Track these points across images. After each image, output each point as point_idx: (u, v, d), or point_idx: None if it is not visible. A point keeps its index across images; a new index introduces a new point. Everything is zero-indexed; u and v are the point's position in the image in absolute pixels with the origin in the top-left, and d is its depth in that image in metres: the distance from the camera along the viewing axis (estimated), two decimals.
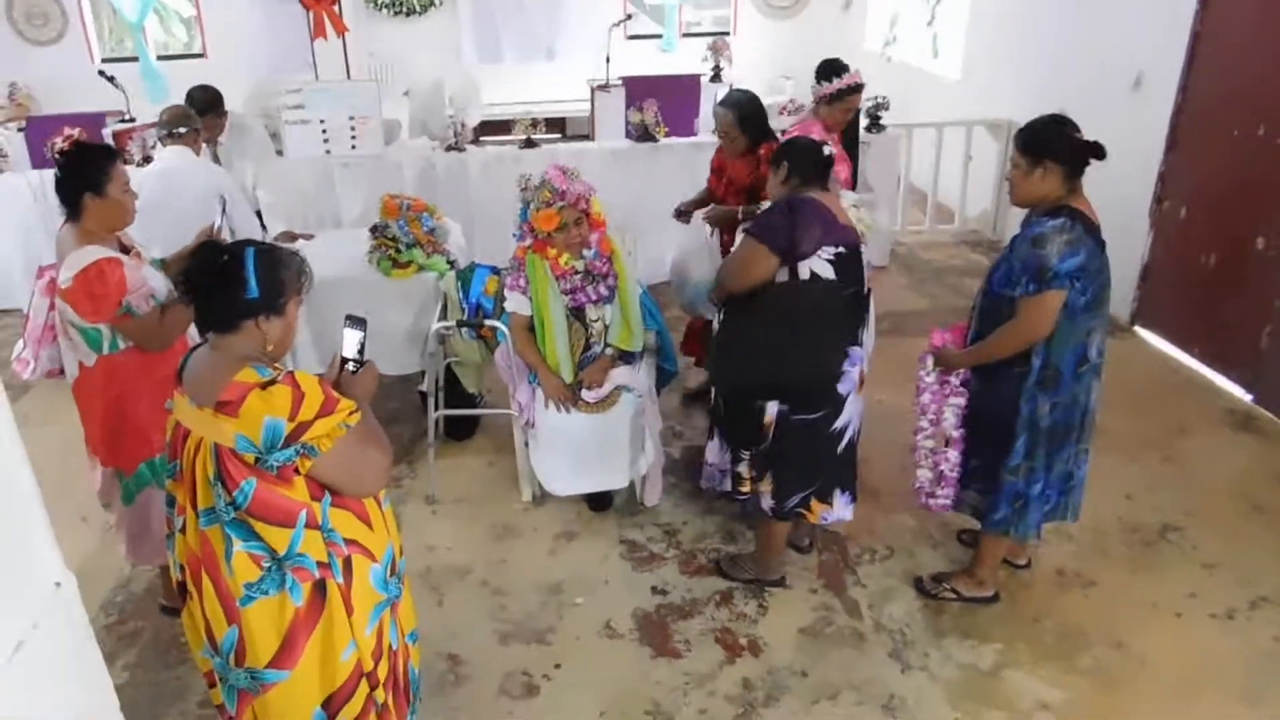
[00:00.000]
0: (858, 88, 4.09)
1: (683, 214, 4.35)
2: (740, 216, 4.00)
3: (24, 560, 1.89)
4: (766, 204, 3.12)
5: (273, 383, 1.87)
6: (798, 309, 2.88)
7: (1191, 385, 4.78)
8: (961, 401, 3.02)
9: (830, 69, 4.10)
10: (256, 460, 1.87)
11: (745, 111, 4.06)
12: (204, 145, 4.46)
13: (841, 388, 2.98)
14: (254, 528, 1.92)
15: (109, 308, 2.71)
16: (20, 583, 1.86)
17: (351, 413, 1.93)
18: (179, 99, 4.49)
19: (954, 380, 3.02)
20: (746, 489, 3.15)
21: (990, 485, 3.02)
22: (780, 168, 2.97)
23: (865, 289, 3.02)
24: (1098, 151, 2.76)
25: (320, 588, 1.99)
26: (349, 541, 2.01)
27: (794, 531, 3.46)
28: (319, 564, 1.97)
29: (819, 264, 2.83)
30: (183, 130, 4.07)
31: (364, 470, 1.99)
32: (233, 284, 1.93)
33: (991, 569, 3.24)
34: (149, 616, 3.26)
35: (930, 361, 3.05)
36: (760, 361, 2.94)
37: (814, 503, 3.12)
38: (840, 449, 3.07)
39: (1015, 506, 3.00)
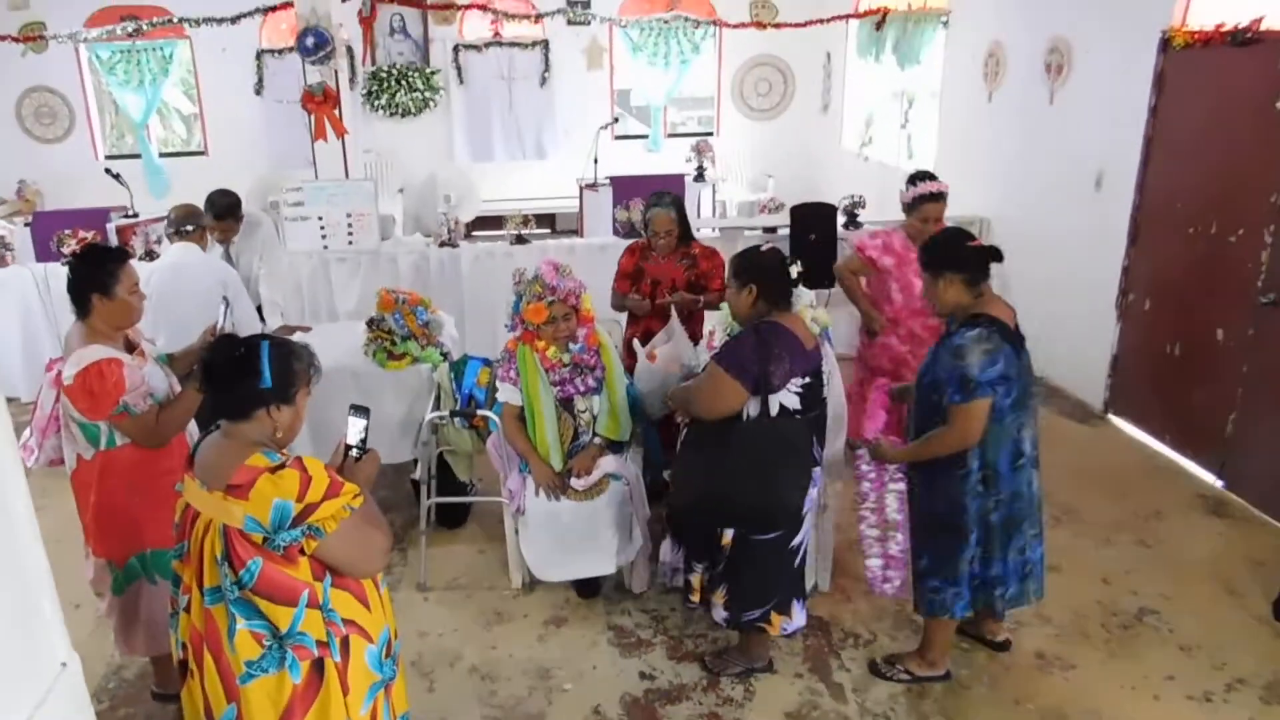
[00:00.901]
0: (932, 196, 4.16)
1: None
2: (702, 304, 4.25)
3: (33, 638, 1.96)
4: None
5: (281, 467, 1.99)
6: (765, 445, 2.97)
7: (1164, 471, 4.92)
8: (902, 486, 3.17)
9: (912, 177, 4.27)
10: (264, 540, 1.97)
11: (683, 210, 4.26)
12: (215, 243, 4.64)
13: (803, 508, 3.10)
14: (258, 606, 2.01)
15: (106, 406, 2.80)
16: (29, 660, 1.92)
17: (355, 496, 2.04)
18: (181, 194, 4.70)
19: (890, 468, 3.17)
20: (697, 598, 3.23)
21: (950, 578, 3.10)
22: (747, 289, 2.98)
23: (824, 399, 3.11)
24: (994, 255, 2.96)
25: (318, 666, 2.06)
26: (347, 621, 2.09)
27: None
28: (318, 642, 2.05)
29: (787, 397, 2.92)
30: (190, 228, 4.25)
31: (366, 551, 2.09)
32: (247, 374, 2.07)
33: (941, 649, 3.31)
34: (141, 703, 3.28)
35: (867, 454, 3.19)
36: (724, 493, 3.03)
37: (773, 615, 3.17)
38: (797, 563, 3.16)
39: (960, 589, 3.10)
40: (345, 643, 2.09)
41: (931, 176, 4.19)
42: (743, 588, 3.12)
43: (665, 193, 4.46)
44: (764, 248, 3.11)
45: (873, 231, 4.50)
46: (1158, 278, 5.15)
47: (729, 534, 3.06)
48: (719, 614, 3.20)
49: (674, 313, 4.04)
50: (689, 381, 3.29)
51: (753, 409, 2.93)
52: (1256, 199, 4.38)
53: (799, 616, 3.22)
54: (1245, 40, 4.37)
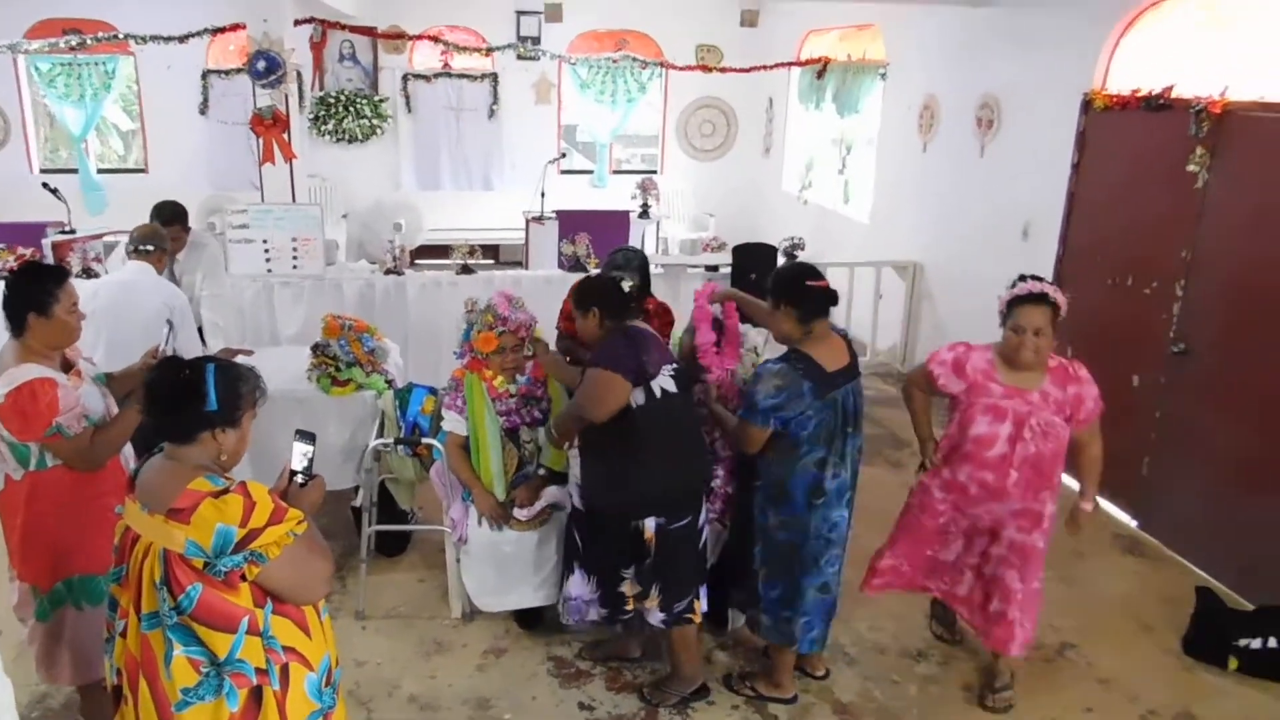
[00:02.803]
0: (1031, 299, 3.17)
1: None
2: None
3: None
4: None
5: (225, 492, 1.98)
6: (662, 425, 3.14)
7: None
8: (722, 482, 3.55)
9: (1017, 278, 3.32)
10: (205, 565, 1.96)
11: (645, 270, 4.11)
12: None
13: (703, 493, 3.36)
14: (196, 632, 1.99)
15: (38, 427, 2.75)
16: None
17: (299, 523, 2.04)
18: (119, 211, 4.62)
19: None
20: (630, 607, 3.31)
21: (750, 593, 3.37)
22: (590, 313, 3.24)
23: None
24: (830, 299, 3.16)
25: (256, 695, 2.04)
26: (287, 649, 2.09)
27: (623, 642, 3.68)
28: (257, 670, 2.04)
29: (665, 380, 3.15)
30: (150, 248, 4.19)
31: (308, 578, 2.09)
32: (192, 397, 2.06)
33: (786, 674, 3.48)
34: None
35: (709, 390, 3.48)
36: (636, 481, 3.16)
37: (694, 604, 3.35)
38: (700, 546, 3.36)
39: (757, 607, 3.35)
40: (285, 670, 2.08)
41: (1037, 277, 3.24)
42: (674, 580, 3.26)
43: (630, 249, 4.21)
44: (593, 274, 3.46)
45: (955, 344, 3.44)
46: (1079, 325, 5.36)
47: (650, 527, 3.18)
48: (655, 617, 3.29)
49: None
50: (565, 406, 3.48)
51: (639, 397, 3.11)
52: (1169, 254, 4.65)
53: (703, 601, 3.44)
54: (1159, 105, 4.66)
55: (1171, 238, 4.64)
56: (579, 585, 3.37)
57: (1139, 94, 4.77)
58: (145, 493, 2.05)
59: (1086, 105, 5.20)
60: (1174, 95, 4.59)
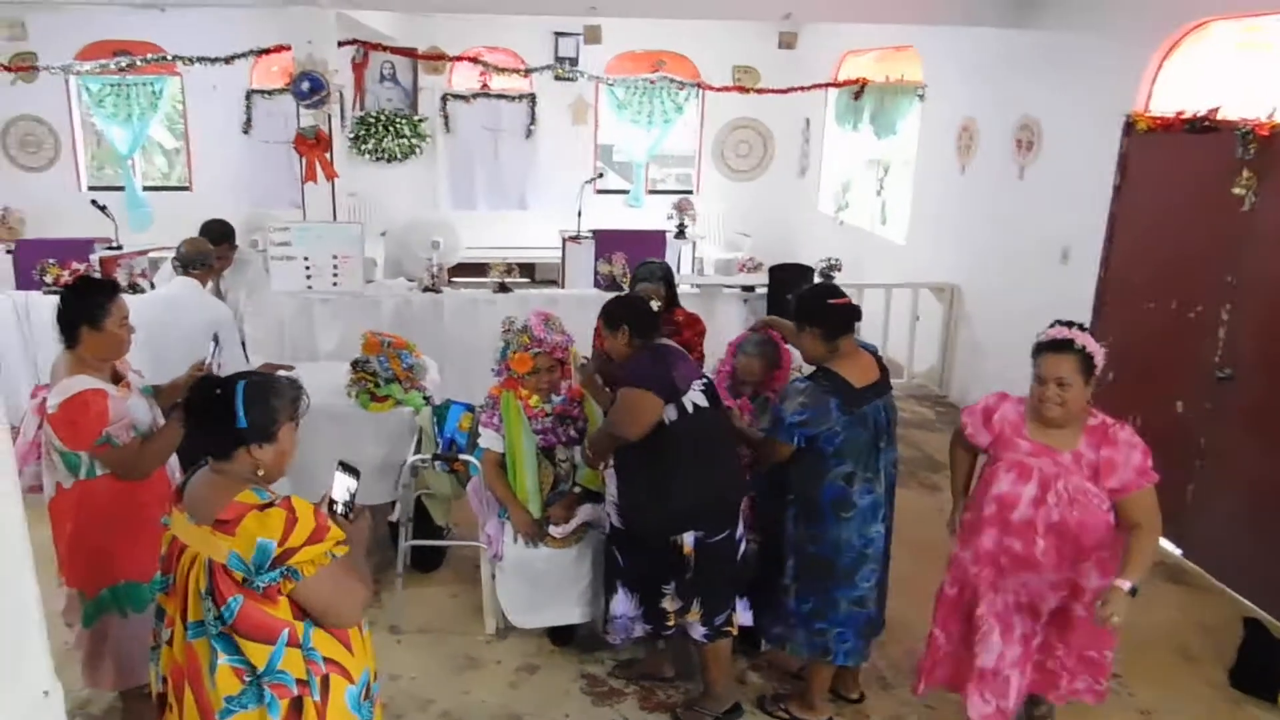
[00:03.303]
0: (1052, 346, 2.87)
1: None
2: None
3: (19, 664, 1.97)
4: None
5: (270, 505, 2.01)
6: (696, 439, 3.16)
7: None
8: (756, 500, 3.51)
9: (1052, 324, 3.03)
10: (244, 579, 1.99)
11: (670, 280, 4.31)
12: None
13: (739, 504, 3.35)
14: (237, 643, 2.01)
15: (88, 437, 2.82)
16: (14, 687, 1.93)
17: (339, 543, 2.05)
18: (163, 229, 4.72)
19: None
20: (672, 623, 3.30)
21: (774, 608, 3.36)
22: (620, 330, 3.27)
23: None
24: (853, 314, 3.19)
25: (297, 704, 2.06)
26: (328, 660, 2.10)
27: (656, 661, 3.67)
28: (298, 681, 2.06)
29: (696, 395, 3.17)
30: (196, 265, 4.28)
31: (342, 601, 2.09)
32: (223, 415, 2.09)
33: (820, 695, 3.45)
34: None
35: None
36: (675, 497, 3.17)
37: (733, 616, 3.35)
38: (738, 558, 3.36)
39: (788, 624, 3.31)
40: (325, 681, 2.10)
41: (1072, 323, 2.90)
42: (715, 593, 3.26)
43: (654, 262, 4.46)
44: (622, 294, 3.58)
45: (994, 393, 3.14)
46: (1120, 350, 5.29)
47: (689, 542, 3.18)
48: (697, 631, 3.28)
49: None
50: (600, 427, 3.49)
51: (671, 414, 3.13)
52: (1213, 278, 4.59)
53: (743, 614, 3.43)
54: (1203, 128, 4.61)
55: (1216, 261, 4.58)
56: (622, 604, 3.37)
57: (1183, 116, 4.73)
58: (192, 503, 2.09)
59: (1128, 127, 5.15)
60: (1219, 117, 4.54)
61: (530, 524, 3.65)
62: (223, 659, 2.02)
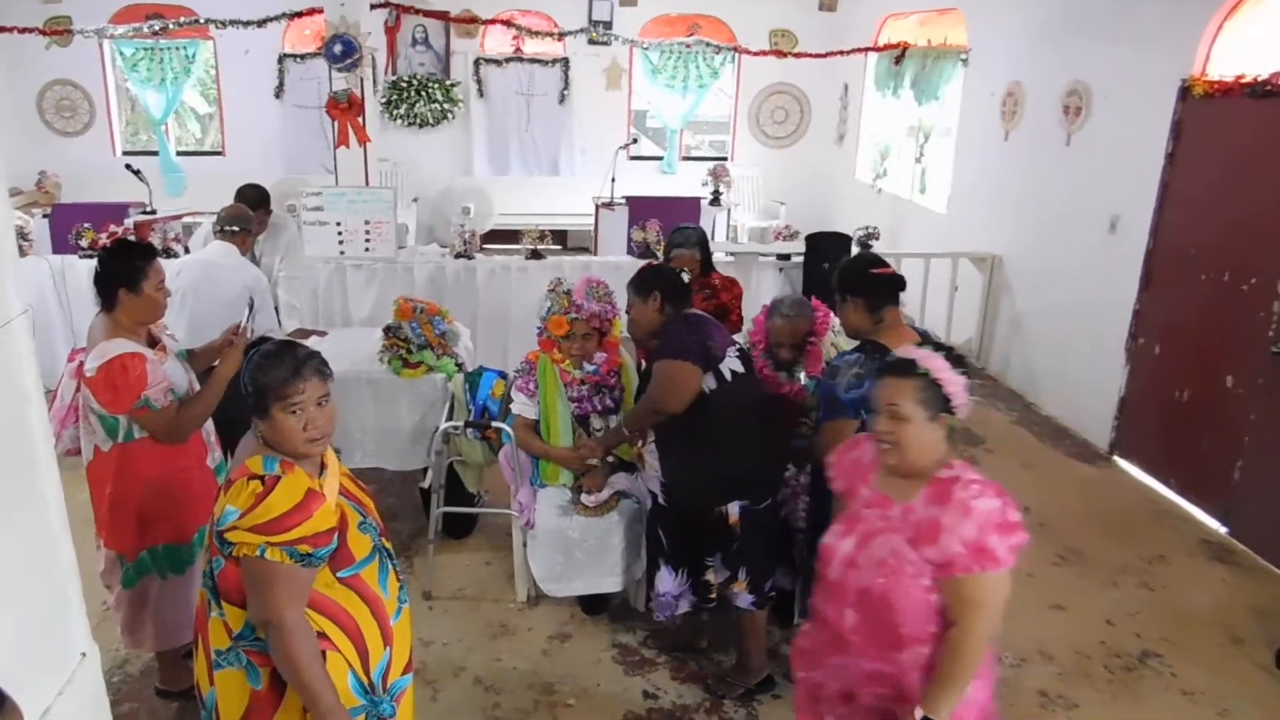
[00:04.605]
0: (893, 367, 2.26)
1: None
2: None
3: (58, 627, 1.98)
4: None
5: (259, 477, 1.97)
6: (737, 406, 3.12)
7: (1168, 515, 4.93)
8: (805, 498, 3.40)
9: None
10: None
11: (705, 245, 4.33)
12: None
13: (783, 476, 3.34)
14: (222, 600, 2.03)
15: (128, 400, 2.83)
16: (54, 648, 1.94)
17: (274, 546, 1.93)
18: (197, 193, 4.71)
19: (800, 479, 3.40)
20: (714, 595, 3.27)
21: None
22: (652, 297, 3.23)
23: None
24: (898, 284, 3.05)
25: (280, 679, 2.01)
26: (320, 636, 2.01)
27: (690, 632, 3.64)
28: None
29: (733, 362, 3.14)
30: (235, 229, 4.28)
31: (257, 598, 1.96)
32: (241, 384, 2.11)
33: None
34: (144, 699, 3.27)
35: None
36: (718, 466, 3.13)
37: (774, 582, 3.35)
38: (779, 526, 3.37)
39: None
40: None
41: (941, 345, 2.32)
42: (759, 563, 3.24)
43: (689, 227, 4.47)
44: (656, 263, 3.56)
45: (861, 434, 2.54)
46: (1169, 322, 5.18)
47: (734, 512, 3.16)
48: (744, 600, 3.25)
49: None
50: (636, 405, 3.43)
51: (711, 382, 3.10)
52: (1270, 249, 4.42)
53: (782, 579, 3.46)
54: (1265, 92, 4.43)
55: (1274, 232, 4.41)
56: (667, 581, 3.33)
57: (1243, 80, 4.54)
58: (234, 460, 2.13)
59: (1184, 92, 4.96)
60: None
61: (575, 458, 3.63)
62: (214, 612, 2.05)
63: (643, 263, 4.90)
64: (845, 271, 3.13)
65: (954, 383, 2.14)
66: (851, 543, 2.22)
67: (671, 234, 4.42)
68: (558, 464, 3.68)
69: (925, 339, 3.11)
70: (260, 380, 2.04)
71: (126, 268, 2.91)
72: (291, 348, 2.11)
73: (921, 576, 2.08)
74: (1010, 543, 2.03)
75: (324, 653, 2.03)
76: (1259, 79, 4.46)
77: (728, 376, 3.11)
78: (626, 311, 3.39)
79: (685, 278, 3.46)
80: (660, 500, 3.31)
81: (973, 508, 2.05)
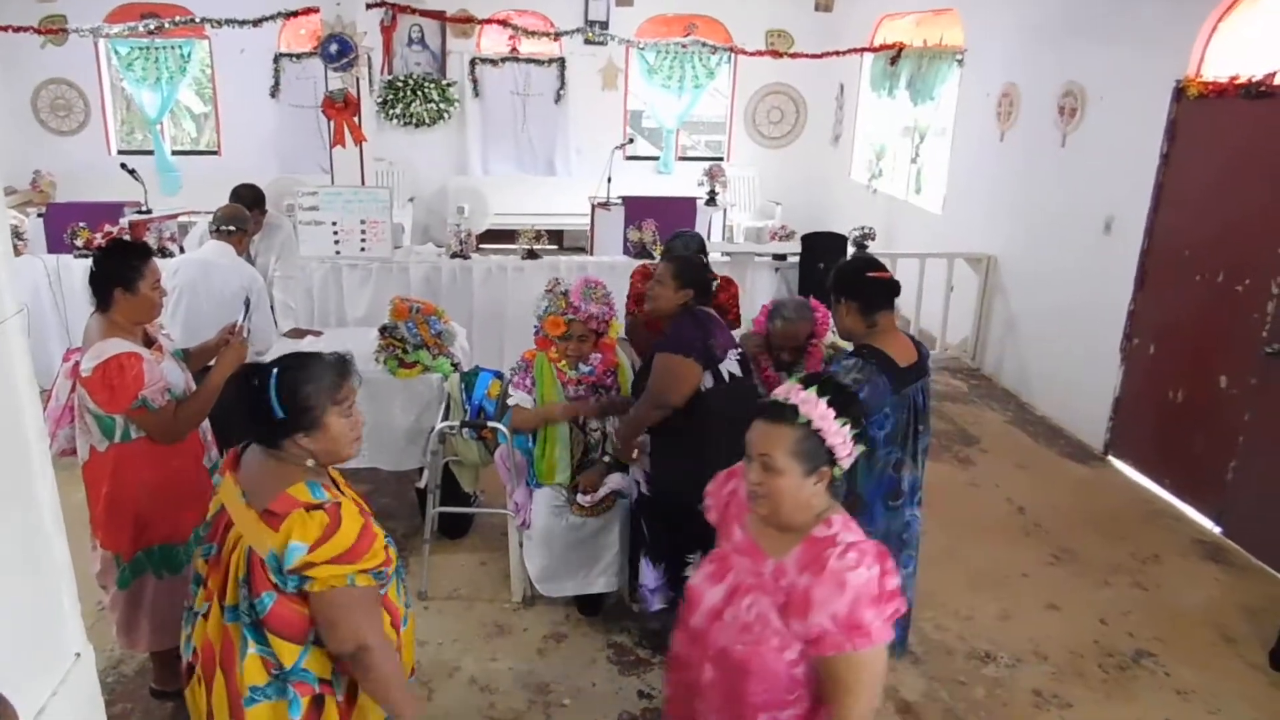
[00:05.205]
0: (768, 409, 2.00)
1: None
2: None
3: (52, 627, 1.97)
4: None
5: (319, 508, 1.91)
6: (734, 403, 3.09)
7: (1162, 515, 4.94)
8: None
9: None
10: (275, 583, 1.92)
11: (703, 247, 4.34)
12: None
13: None
14: (268, 636, 1.96)
15: (125, 400, 2.82)
16: (47, 648, 1.94)
17: (366, 572, 1.93)
18: (192, 193, 4.70)
19: None
20: None
21: None
22: (684, 291, 3.25)
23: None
24: (892, 289, 3.05)
25: (318, 702, 2.01)
26: None
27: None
28: (320, 680, 2.00)
29: (731, 364, 3.15)
30: (232, 229, 4.27)
31: (342, 629, 1.93)
32: (259, 406, 1.97)
33: None
34: (139, 699, 3.27)
35: None
36: (709, 465, 3.08)
37: None
38: None
39: None
40: (352, 682, 2.04)
41: (820, 378, 2.01)
42: None
43: (687, 233, 4.51)
44: (697, 257, 3.58)
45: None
46: (1163, 323, 5.20)
47: None
48: None
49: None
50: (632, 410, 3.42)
51: (708, 381, 3.13)
52: (1264, 250, 4.44)
53: None
54: (1259, 93, 4.44)
55: (1267, 233, 4.42)
56: (648, 573, 3.36)
57: (1237, 81, 4.55)
58: (249, 480, 2.01)
59: (1178, 93, 4.97)
60: (1277, 82, 4.37)
61: (572, 409, 3.63)
62: (253, 649, 1.97)
63: (638, 262, 4.92)
64: (841, 274, 3.13)
65: (837, 434, 1.87)
66: (720, 593, 2.00)
67: (670, 239, 4.45)
68: (556, 418, 3.64)
69: (918, 345, 3.12)
70: (308, 389, 1.96)
71: (122, 267, 2.91)
72: (314, 355, 2.06)
73: (787, 650, 1.87)
74: (887, 614, 1.81)
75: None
76: (1253, 80, 4.47)
77: (725, 378, 3.13)
78: (654, 285, 3.38)
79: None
80: (645, 492, 3.32)
81: (847, 580, 1.80)
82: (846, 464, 1.91)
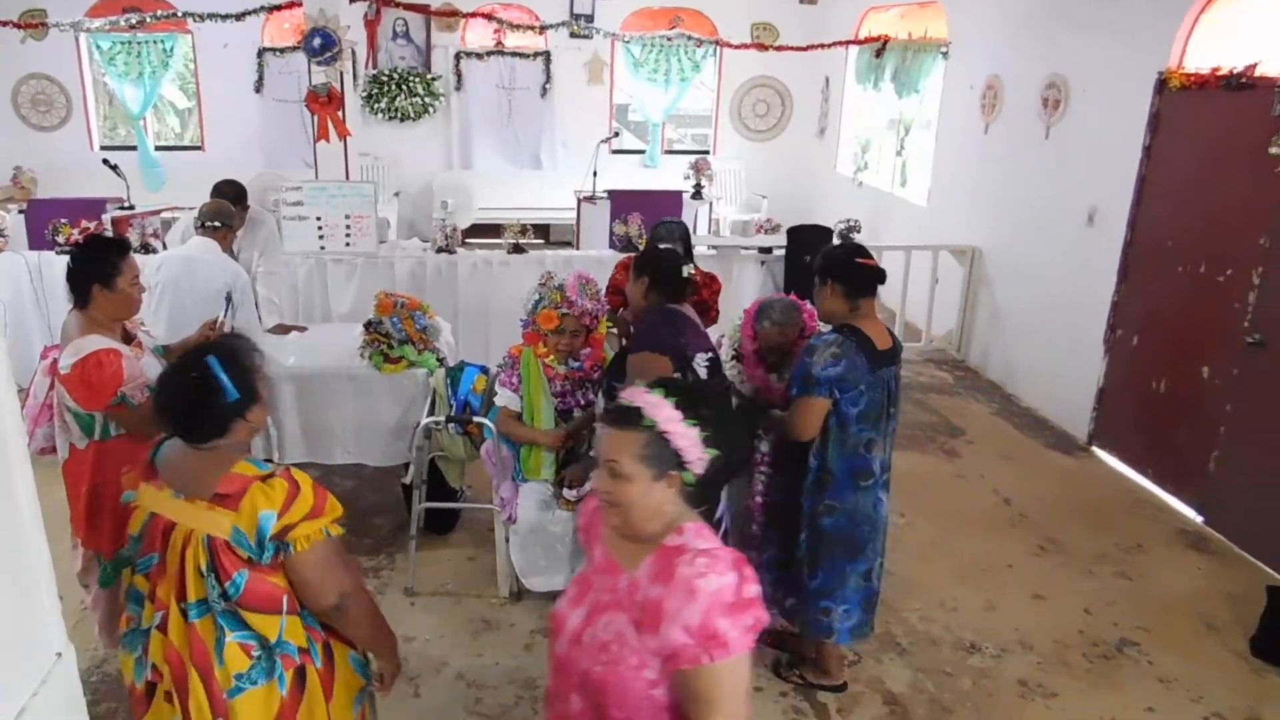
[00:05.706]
0: (614, 415, 1.85)
1: None
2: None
3: (31, 627, 1.95)
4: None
5: (271, 476, 1.94)
6: None
7: (1145, 504, 4.98)
8: (768, 470, 3.41)
9: None
10: (248, 557, 1.92)
11: (688, 239, 4.36)
12: None
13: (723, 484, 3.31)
14: (244, 618, 1.96)
15: (104, 397, 2.80)
16: (26, 649, 1.92)
17: (335, 521, 2.00)
18: (176, 188, 4.67)
19: (762, 449, 3.41)
20: None
21: (787, 581, 3.29)
22: (641, 279, 3.23)
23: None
24: (877, 277, 3.10)
25: (300, 674, 2.02)
26: (325, 626, 2.07)
27: None
28: (299, 649, 2.01)
29: (700, 367, 3.13)
30: (217, 224, 4.23)
31: (324, 580, 2.00)
32: (212, 394, 1.95)
33: (834, 661, 3.43)
34: (123, 698, 3.22)
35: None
36: None
37: None
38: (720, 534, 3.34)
39: (800, 598, 3.26)
40: (326, 647, 2.07)
41: (669, 384, 1.87)
42: None
43: (671, 222, 4.49)
44: (663, 248, 3.48)
45: None
46: (1146, 314, 5.23)
47: None
48: None
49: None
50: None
51: None
52: (1246, 240, 4.47)
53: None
54: (1240, 84, 4.47)
55: (1249, 224, 4.45)
56: None
57: (1219, 72, 4.58)
58: (178, 478, 2.00)
59: (1161, 85, 5.00)
60: (1258, 73, 4.39)
61: (557, 438, 3.62)
62: (230, 636, 1.96)
63: (624, 255, 4.91)
64: (830, 257, 3.15)
65: (684, 436, 1.76)
66: (580, 615, 1.85)
67: (655, 228, 4.45)
68: (544, 445, 3.64)
69: (893, 336, 3.14)
70: (247, 364, 2.02)
71: (101, 263, 2.89)
72: (226, 339, 2.21)
73: (645, 669, 1.72)
74: (744, 623, 1.67)
75: (329, 642, 2.07)
76: (1235, 71, 4.50)
77: (692, 379, 3.08)
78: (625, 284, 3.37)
79: (688, 271, 3.40)
80: None
81: (697, 588, 1.66)
82: (698, 468, 1.77)
